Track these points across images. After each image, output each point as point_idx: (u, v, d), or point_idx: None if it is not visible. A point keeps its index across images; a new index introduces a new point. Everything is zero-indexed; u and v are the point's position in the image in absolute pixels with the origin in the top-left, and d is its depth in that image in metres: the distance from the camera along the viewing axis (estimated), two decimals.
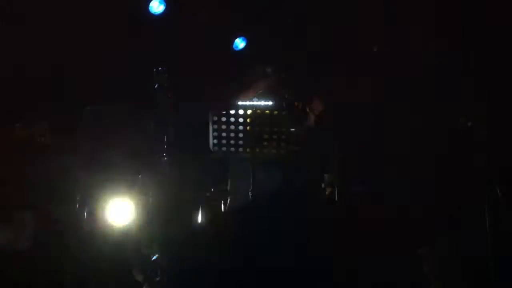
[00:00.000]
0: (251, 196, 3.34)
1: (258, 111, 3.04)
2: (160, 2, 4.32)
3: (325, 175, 3.87)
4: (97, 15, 4.17)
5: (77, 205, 3.54)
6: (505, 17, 3.84)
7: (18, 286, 3.00)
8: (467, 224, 3.58)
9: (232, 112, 3.01)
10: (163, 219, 3.61)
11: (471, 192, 3.79)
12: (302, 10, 4.64)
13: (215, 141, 3.05)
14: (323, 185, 3.89)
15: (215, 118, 3.02)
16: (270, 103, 3.13)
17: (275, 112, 3.06)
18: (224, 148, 3.07)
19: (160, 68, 3.88)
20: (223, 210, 3.90)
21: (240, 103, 3.09)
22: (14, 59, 3.85)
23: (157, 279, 3.30)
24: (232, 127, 3.03)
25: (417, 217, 3.80)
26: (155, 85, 3.85)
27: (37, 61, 3.94)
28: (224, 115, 3.01)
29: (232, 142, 3.05)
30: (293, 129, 3.55)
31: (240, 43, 4.82)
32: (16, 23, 3.92)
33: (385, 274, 3.18)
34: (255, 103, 3.11)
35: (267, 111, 3.05)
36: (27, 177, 3.39)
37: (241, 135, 3.04)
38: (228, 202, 3.83)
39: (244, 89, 3.61)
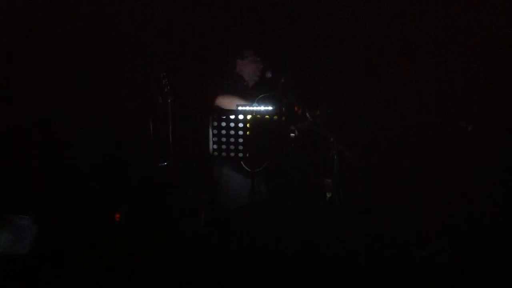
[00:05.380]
0: (251, 200, 3.35)
1: (258, 115, 3.05)
2: None
3: (326, 179, 3.87)
4: (98, 18, 4.19)
5: None
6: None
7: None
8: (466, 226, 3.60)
9: (232, 116, 3.02)
10: None
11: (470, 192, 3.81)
12: (302, 14, 4.65)
13: (215, 145, 3.07)
14: (323, 190, 3.89)
15: (215, 123, 3.03)
16: (270, 108, 3.13)
17: (275, 117, 3.07)
18: (224, 153, 3.07)
19: (160, 73, 3.89)
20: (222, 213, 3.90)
21: (240, 107, 3.09)
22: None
23: None
24: (232, 131, 3.04)
25: (416, 219, 3.81)
26: (155, 89, 3.86)
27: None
28: (224, 120, 3.03)
29: (232, 146, 3.06)
30: (292, 134, 3.56)
31: None
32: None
33: (384, 275, 3.20)
34: (255, 108, 3.11)
35: (267, 116, 3.06)
36: None
37: (241, 139, 3.05)
38: (227, 205, 3.83)
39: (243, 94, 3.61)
